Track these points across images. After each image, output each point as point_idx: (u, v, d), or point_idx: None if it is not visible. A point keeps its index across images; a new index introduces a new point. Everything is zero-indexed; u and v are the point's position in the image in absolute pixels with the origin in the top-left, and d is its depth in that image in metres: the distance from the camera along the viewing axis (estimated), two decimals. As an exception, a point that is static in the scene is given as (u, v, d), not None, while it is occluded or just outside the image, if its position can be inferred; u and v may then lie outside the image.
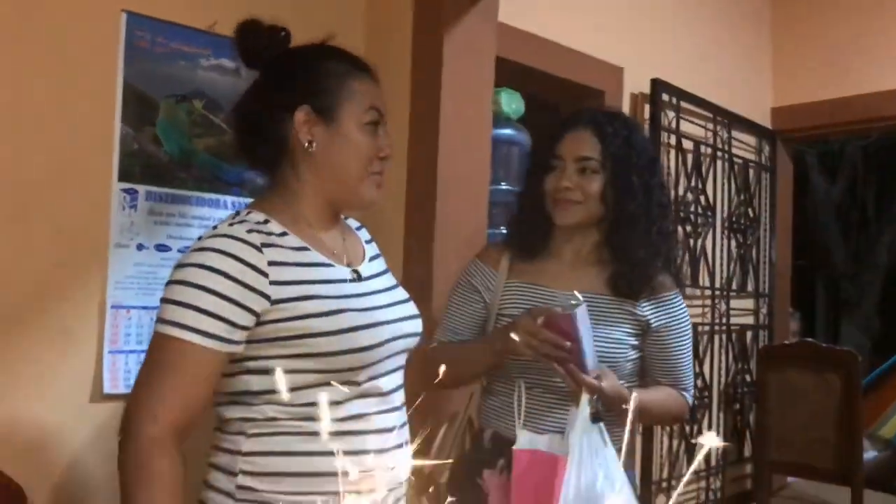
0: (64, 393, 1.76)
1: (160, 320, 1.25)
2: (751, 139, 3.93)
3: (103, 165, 1.83)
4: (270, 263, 1.27)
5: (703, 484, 3.54)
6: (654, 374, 1.86)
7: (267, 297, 1.26)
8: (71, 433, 1.76)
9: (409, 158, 2.16)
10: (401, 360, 1.44)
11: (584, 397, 1.60)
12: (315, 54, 1.41)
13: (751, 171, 3.92)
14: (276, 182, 1.40)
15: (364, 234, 1.56)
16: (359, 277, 1.42)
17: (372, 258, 1.51)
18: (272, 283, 1.26)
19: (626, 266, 1.75)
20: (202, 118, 1.98)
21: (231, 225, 1.30)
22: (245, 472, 1.29)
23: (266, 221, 1.32)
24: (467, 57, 2.18)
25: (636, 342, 1.80)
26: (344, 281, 1.37)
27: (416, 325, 1.47)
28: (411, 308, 1.48)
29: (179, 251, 1.93)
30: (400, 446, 1.38)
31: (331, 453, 1.20)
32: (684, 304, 1.87)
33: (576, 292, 1.64)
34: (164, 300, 1.26)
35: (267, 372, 1.29)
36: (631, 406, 1.53)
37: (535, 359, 1.64)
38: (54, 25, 1.76)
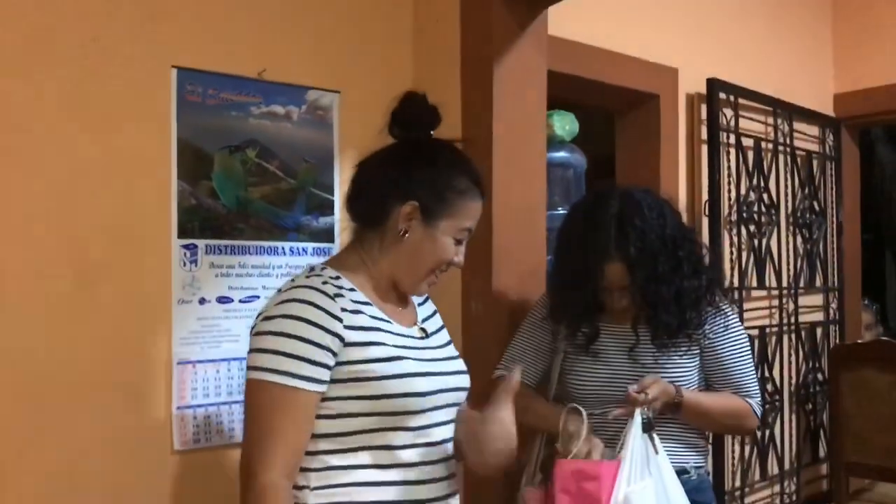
0: (135, 451, 1.79)
1: (258, 369, 1.34)
2: (813, 129, 3.80)
3: (162, 224, 1.85)
4: (343, 310, 1.38)
5: (776, 489, 3.46)
6: (714, 387, 1.96)
7: (342, 338, 1.36)
8: (144, 491, 1.79)
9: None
10: (451, 412, 1.51)
11: (637, 409, 1.74)
12: (452, 163, 1.50)
13: (814, 163, 3.79)
14: (359, 240, 1.51)
15: (417, 297, 1.61)
16: (426, 335, 1.53)
17: (425, 319, 1.58)
18: (345, 326, 1.37)
19: (675, 326, 1.88)
20: (257, 167, 1.99)
21: (308, 277, 1.42)
22: None
23: (338, 277, 1.44)
24: (518, 84, 2.14)
25: (699, 361, 1.94)
26: (403, 336, 1.47)
27: (466, 380, 1.56)
28: (462, 364, 1.58)
29: (241, 301, 1.95)
30: (450, 496, 1.48)
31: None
32: (733, 314, 1.99)
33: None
34: (257, 350, 1.36)
35: (331, 416, 1.38)
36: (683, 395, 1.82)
37: None
38: (106, 90, 1.78)
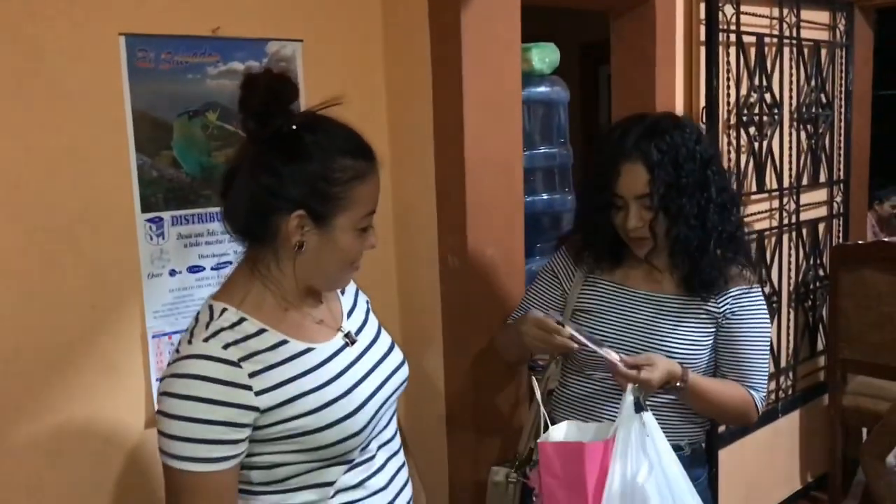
0: (119, 424, 1.84)
1: (163, 453, 1.24)
2: (823, 16, 3.60)
3: (125, 200, 1.81)
4: (252, 375, 1.24)
5: (772, 385, 3.51)
6: (721, 369, 1.83)
7: (255, 408, 1.24)
8: (130, 461, 1.85)
9: (436, 147, 2.07)
10: (391, 412, 1.46)
11: (629, 386, 1.60)
12: (327, 147, 1.27)
13: (823, 52, 3.61)
14: (252, 260, 1.33)
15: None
16: (352, 342, 1.41)
17: (350, 311, 1.47)
18: (257, 393, 1.24)
19: (694, 268, 1.74)
20: (219, 130, 1.93)
21: (206, 340, 1.24)
22: None
23: (240, 321, 1.28)
24: (488, 24, 2.02)
25: (713, 341, 1.80)
26: (332, 357, 1.35)
27: (403, 374, 1.49)
28: (397, 357, 1.49)
29: (213, 268, 1.95)
30: (398, 495, 1.45)
31: None
32: (761, 299, 1.82)
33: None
34: (160, 432, 1.24)
35: (266, 467, 1.31)
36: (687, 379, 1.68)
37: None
38: (53, 68, 1.69)
